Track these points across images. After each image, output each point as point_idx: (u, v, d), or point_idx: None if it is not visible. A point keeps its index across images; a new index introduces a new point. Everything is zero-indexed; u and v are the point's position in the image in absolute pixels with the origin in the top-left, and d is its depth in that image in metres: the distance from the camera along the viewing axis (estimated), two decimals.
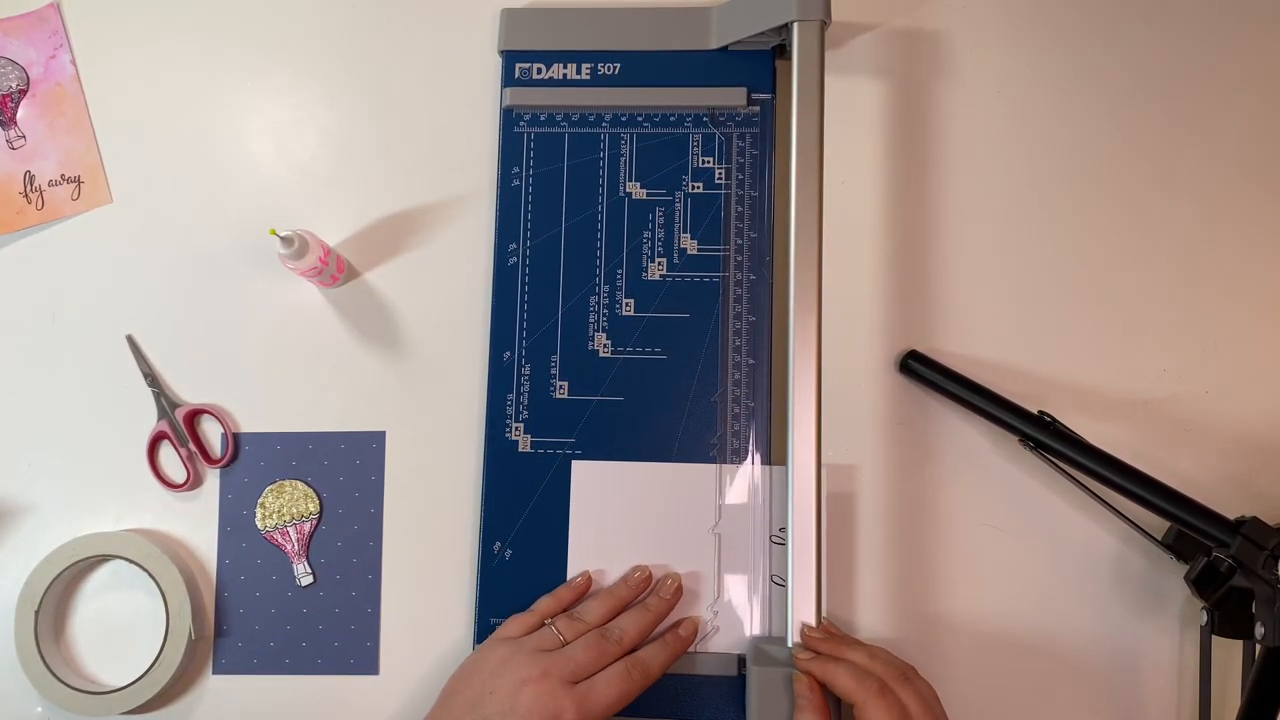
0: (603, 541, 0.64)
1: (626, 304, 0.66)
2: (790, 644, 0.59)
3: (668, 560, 0.63)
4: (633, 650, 0.59)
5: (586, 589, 0.63)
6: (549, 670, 0.56)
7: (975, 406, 0.64)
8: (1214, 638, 0.61)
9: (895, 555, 0.65)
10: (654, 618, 0.61)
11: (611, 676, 0.56)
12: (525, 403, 0.66)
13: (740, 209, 0.67)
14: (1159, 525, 0.63)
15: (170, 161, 0.71)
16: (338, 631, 0.65)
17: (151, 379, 0.68)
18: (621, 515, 0.64)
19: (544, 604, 0.62)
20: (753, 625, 0.63)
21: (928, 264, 0.68)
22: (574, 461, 0.64)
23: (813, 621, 0.58)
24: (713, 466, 0.64)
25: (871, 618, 0.64)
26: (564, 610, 0.62)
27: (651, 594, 0.62)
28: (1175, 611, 0.64)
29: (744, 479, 0.64)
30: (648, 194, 0.67)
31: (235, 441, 0.67)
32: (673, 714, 0.62)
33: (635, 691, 0.57)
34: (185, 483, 0.67)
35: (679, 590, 0.62)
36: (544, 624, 0.60)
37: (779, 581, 0.62)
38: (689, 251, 0.67)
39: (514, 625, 0.60)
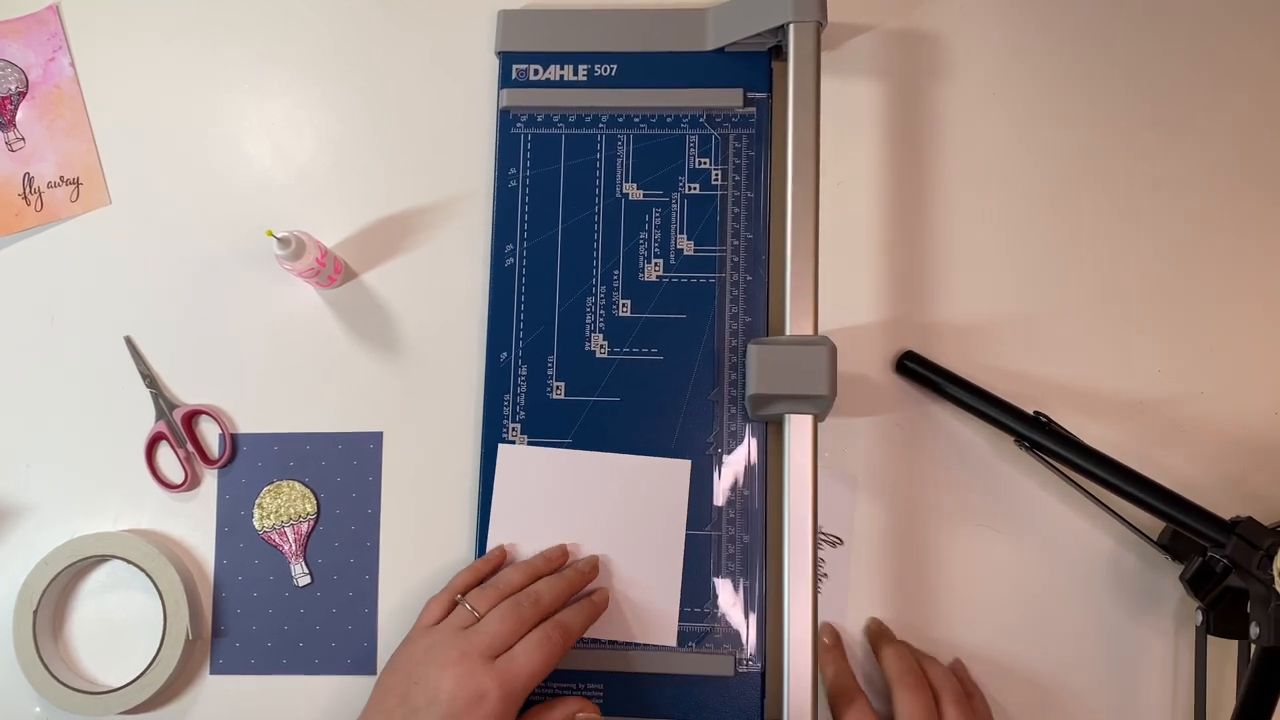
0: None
1: (623, 305, 0.67)
2: None
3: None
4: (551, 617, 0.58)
5: (502, 561, 0.63)
6: (467, 650, 0.55)
7: (971, 407, 0.64)
8: (1209, 637, 0.61)
9: (891, 555, 0.65)
10: (568, 586, 0.60)
11: (530, 646, 0.56)
12: (522, 403, 0.66)
13: (737, 210, 0.67)
14: (1154, 525, 0.63)
15: (168, 163, 0.71)
16: (335, 632, 0.66)
17: (149, 380, 0.68)
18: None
19: (459, 579, 0.61)
20: (748, 624, 0.63)
21: (923, 265, 0.68)
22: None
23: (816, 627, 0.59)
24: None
25: (867, 617, 0.64)
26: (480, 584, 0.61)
27: (569, 567, 0.62)
28: (1170, 611, 0.64)
29: (741, 480, 0.64)
30: (644, 195, 0.68)
31: (233, 442, 0.67)
32: (670, 714, 0.62)
33: (558, 655, 0.57)
34: (183, 483, 0.67)
35: (595, 568, 0.62)
36: (458, 600, 0.59)
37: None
38: (685, 252, 0.67)
39: (433, 609, 0.60)
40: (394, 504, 0.67)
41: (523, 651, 0.56)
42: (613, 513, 0.64)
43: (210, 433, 0.68)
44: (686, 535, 0.64)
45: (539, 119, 0.69)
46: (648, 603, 0.63)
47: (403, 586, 0.66)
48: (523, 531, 0.64)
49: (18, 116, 0.72)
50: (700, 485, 0.64)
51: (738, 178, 0.67)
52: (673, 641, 0.63)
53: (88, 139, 0.71)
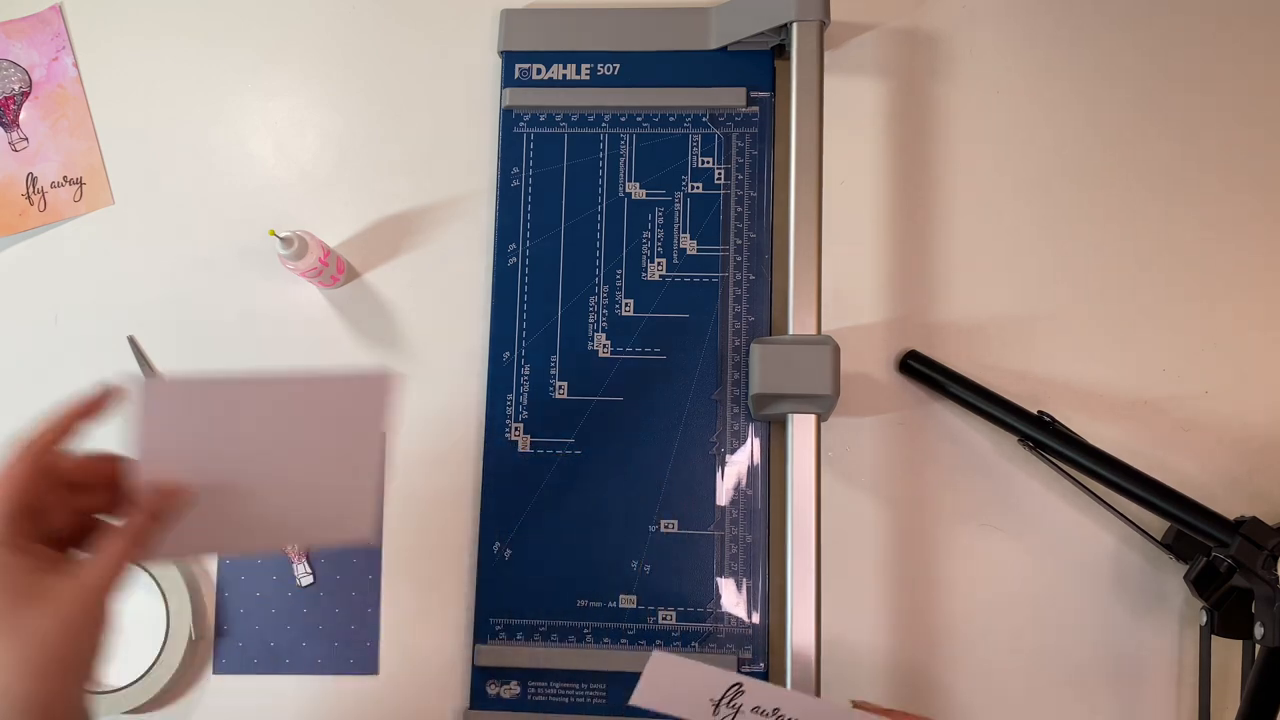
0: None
1: (626, 304, 0.66)
2: None
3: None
4: None
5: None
6: None
7: (975, 406, 0.64)
8: (1213, 637, 0.61)
9: (895, 554, 0.65)
10: None
11: None
12: (525, 403, 0.66)
13: (739, 209, 0.67)
14: (1159, 525, 0.63)
15: (172, 163, 0.71)
16: (337, 631, 0.65)
17: None
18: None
19: None
20: (751, 624, 0.63)
21: (927, 264, 0.68)
22: None
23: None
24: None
25: (871, 617, 0.64)
26: None
27: None
28: (1175, 611, 0.64)
29: (744, 479, 0.64)
30: (647, 194, 0.68)
31: None
32: None
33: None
34: None
35: None
36: None
37: None
38: (688, 252, 0.67)
39: None
40: (396, 504, 0.67)
41: None
42: (292, 439, 0.49)
43: None
44: (689, 535, 0.64)
45: (541, 118, 0.69)
46: (338, 501, 0.51)
47: (405, 586, 0.66)
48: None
49: (21, 116, 0.72)
50: (703, 485, 0.64)
51: (740, 177, 0.67)
52: (370, 537, 0.52)
53: (91, 139, 0.71)
